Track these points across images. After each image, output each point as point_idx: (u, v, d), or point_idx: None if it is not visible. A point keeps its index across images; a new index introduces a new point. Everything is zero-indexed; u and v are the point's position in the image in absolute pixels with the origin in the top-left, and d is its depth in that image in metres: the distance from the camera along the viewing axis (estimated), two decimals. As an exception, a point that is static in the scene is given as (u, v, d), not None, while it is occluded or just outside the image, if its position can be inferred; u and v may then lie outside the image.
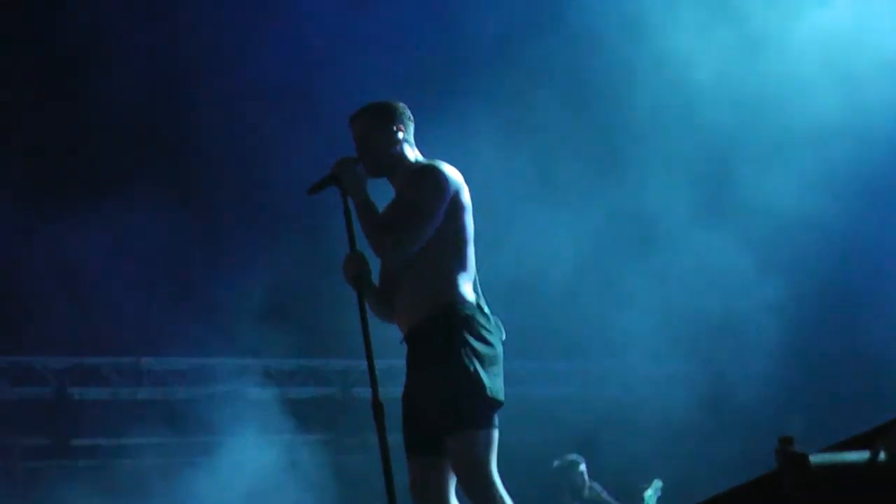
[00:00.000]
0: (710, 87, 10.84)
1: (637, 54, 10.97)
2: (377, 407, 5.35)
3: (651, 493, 9.82)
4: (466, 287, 5.55)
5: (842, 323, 11.74)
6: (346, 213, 5.59)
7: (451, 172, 5.62)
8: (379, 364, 5.47)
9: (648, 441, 11.98)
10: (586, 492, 9.87)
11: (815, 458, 2.52)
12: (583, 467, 9.99)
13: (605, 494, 9.94)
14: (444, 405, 5.39)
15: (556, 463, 10.09)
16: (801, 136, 10.84)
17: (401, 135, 5.72)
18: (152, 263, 10.43)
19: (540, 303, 11.03)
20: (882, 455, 2.48)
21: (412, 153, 5.78)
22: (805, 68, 10.75)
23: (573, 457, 10.11)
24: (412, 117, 5.83)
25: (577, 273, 11.11)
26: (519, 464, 10.17)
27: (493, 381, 5.43)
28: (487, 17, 11.21)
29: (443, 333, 5.43)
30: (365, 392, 6.89)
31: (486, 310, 5.56)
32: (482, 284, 5.67)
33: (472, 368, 5.37)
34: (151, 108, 10.61)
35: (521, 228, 10.83)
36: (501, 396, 5.47)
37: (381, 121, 5.72)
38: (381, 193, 5.78)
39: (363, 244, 5.67)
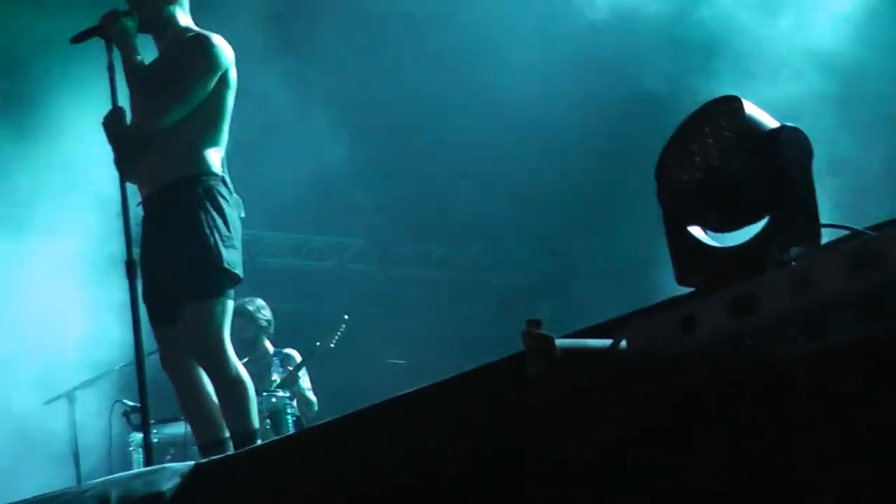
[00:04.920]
0: None
1: None
2: (130, 265, 5.29)
3: None
4: (214, 160, 5.54)
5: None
6: (111, 67, 5.50)
7: (225, 48, 5.59)
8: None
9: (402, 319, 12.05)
10: (271, 329, 9.79)
11: (560, 342, 2.58)
12: (260, 302, 9.89)
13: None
14: (179, 273, 5.37)
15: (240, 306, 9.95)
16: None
17: (177, -5, 5.63)
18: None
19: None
20: (623, 343, 2.57)
21: (184, 18, 5.72)
22: None
23: (248, 299, 9.97)
24: None
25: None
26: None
27: (230, 254, 5.44)
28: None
29: (184, 201, 5.41)
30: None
31: (231, 185, 5.56)
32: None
33: (210, 239, 5.37)
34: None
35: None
36: (238, 270, 5.49)
37: None
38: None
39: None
